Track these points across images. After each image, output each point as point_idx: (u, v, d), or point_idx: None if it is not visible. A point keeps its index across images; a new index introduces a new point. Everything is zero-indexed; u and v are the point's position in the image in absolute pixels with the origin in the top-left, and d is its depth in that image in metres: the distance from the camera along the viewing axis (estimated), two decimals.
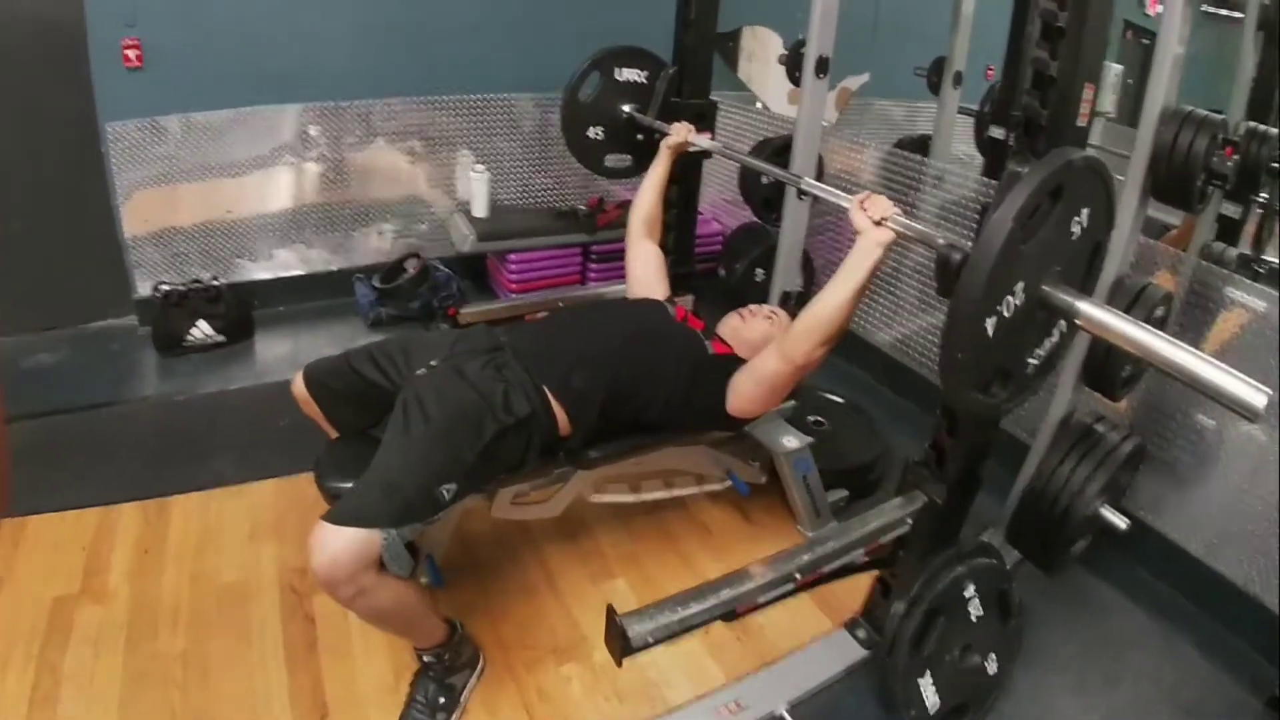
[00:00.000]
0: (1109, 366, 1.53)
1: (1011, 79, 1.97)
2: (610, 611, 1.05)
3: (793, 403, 1.74)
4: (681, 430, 1.54)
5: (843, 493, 1.88)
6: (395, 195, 2.88)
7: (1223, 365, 0.87)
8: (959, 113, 2.75)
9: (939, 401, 1.36)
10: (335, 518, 1.11)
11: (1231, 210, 2.05)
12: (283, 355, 2.54)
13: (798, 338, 1.30)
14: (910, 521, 1.34)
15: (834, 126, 2.89)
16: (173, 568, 1.64)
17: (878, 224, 1.20)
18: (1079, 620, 1.68)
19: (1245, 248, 2.06)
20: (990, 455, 1.34)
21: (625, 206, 2.29)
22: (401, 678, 1.38)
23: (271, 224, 2.72)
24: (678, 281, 2.29)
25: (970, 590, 1.37)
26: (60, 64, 2.26)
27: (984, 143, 2.76)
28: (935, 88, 2.77)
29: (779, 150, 2.27)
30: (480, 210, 2.78)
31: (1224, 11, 2.00)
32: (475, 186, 2.75)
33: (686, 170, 2.12)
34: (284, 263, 2.79)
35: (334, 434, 1.49)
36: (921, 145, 2.77)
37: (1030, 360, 1.05)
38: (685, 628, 1.08)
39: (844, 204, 1.27)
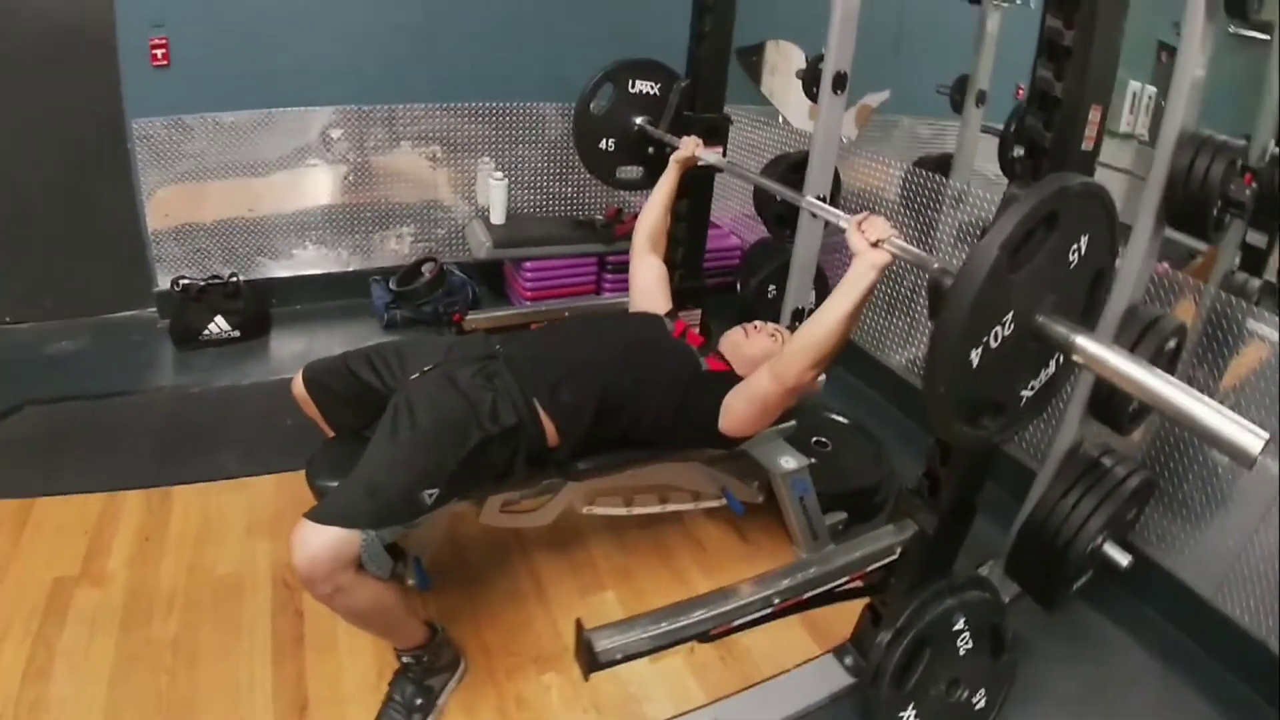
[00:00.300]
0: (1115, 399, 1.48)
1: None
2: (578, 625, 1.05)
3: (792, 423, 1.72)
4: (674, 447, 1.52)
5: (841, 515, 1.85)
6: (415, 199, 2.92)
7: (1217, 406, 0.82)
8: (983, 132, 2.71)
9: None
10: (317, 516, 1.13)
11: (1257, 239, 1.98)
12: (297, 353, 2.58)
13: (789, 359, 1.29)
14: (899, 550, 1.31)
15: (854, 143, 2.86)
16: (171, 556, 1.67)
17: (874, 245, 1.18)
18: (1080, 658, 1.63)
19: (1272, 277, 1.99)
20: (983, 486, 1.31)
21: None
22: (384, 677, 1.39)
23: (292, 223, 2.77)
24: (687, 295, 2.29)
25: (960, 623, 1.33)
26: (90, 61, 2.34)
27: (1007, 163, 2.71)
28: (958, 106, 2.73)
29: (795, 166, 2.26)
30: (498, 217, 2.81)
31: (1253, 34, 1.93)
32: (494, 193, 2.78)
33: (698, 184, 2.12)
34: (303, 262, 2.84)
35: (331, 433, 1.51)
36: (943, 164, 2.73)
37: (1024, 392, 1.02)
38: (656, 646, 1.06)
39: (842, 224, 1.25)
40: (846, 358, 2.60)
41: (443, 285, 2.76)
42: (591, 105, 2.12)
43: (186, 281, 2.55)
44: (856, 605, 1.48)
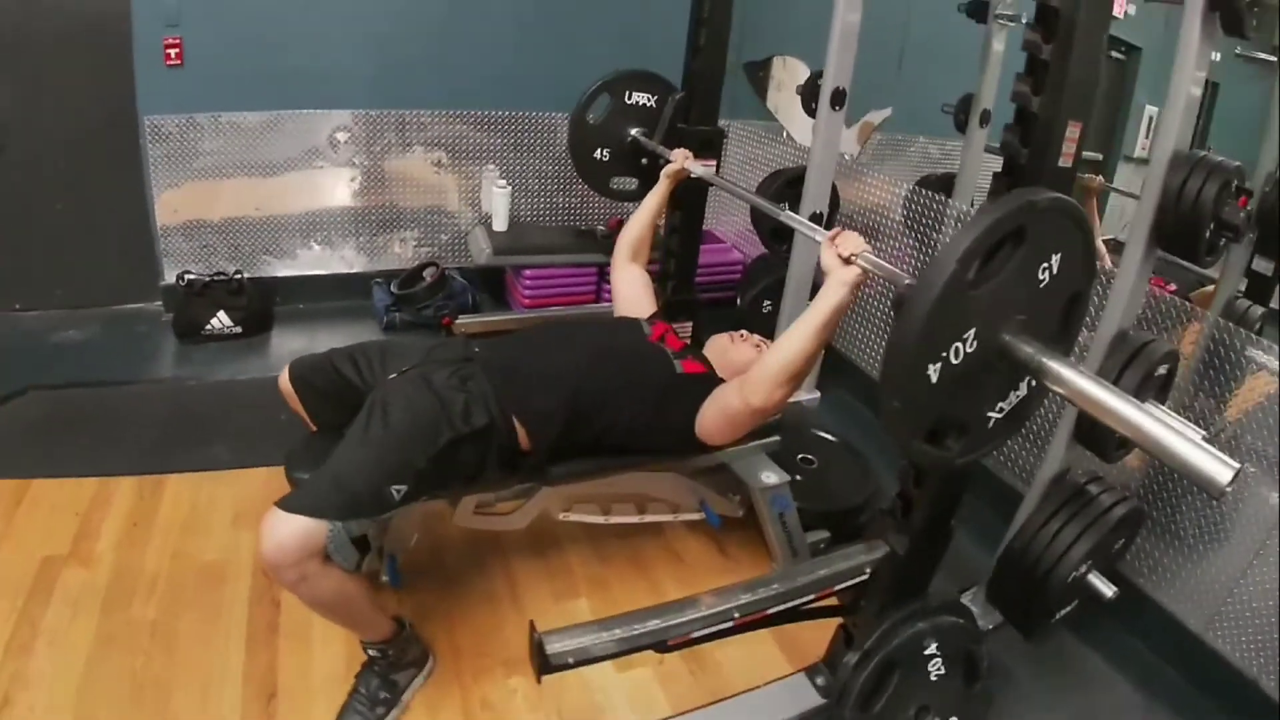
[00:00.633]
0: (1100, 425, 1.44)
1: None
2: (531, 626, 1.04)
3: (775, 438, 1.70)
4: (651, 451, 1.51)
5: (824, 534, 1.83)
6: (420, 204, 2.96)
7: (1188, 434, 0.80)
8: (987, 151, 2.68)
9: None
10: (286, 505, 1.15)
11: (1264, 266, 1.94)
12: (296, 351, 2.55)
13: (755, 382, 1.29)
14: (869, 571, 1.28)
15: (857, 160, 2.85)
16: (157, 542, 1.70)
17: (847, 261, 1.17)
18: (1063, 688, 1.59)
19: (1276, 305, 1.94)
20: (956, 509, 1.28)
21: None
22: (353, 669, 1.39)
23: (298, 224, 2.82)
24: (679, 308, 2.29)
25: (932, 648, 1.30)
26: (105, 57, 2.41)
27: None
28: (963, 125, 2.72)
29: (792, 182, 2.25)
30: (500, 224, 2.83)
31: (1260, 55, 1.90)
32: (497, 201, 2.80)
33: (691, 197, 2.12)
34: (307, 262, 2.88)
35: (314, 427, 1.53)
36: (947, 184, 2.71)
37: (991, 414, 1.00)
38: (610, 653, 1.05)
39: (818, 238, 1.24)
40: (841, 374, 2.58)
41: (443, 290, 2.79)
42: (588, 115, 2.14)
43: (192, 277, 2.60)
44: (835, 625, 1.46)
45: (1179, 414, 1.54)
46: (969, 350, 0.89)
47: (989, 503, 1.88)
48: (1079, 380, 0.88)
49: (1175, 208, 1.34)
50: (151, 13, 2.36)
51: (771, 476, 1.65)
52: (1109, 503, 1.49)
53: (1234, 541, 1.57)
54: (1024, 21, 2.51)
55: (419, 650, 1.43)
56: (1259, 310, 1.90)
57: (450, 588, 1.66)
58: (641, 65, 2.20)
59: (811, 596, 1.22)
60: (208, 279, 2.61)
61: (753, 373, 1.30)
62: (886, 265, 1.14)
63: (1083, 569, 1.45)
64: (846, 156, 2.70)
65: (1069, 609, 1.60)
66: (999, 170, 1.21)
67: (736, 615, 1.13)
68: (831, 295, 1.17)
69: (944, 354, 0.87)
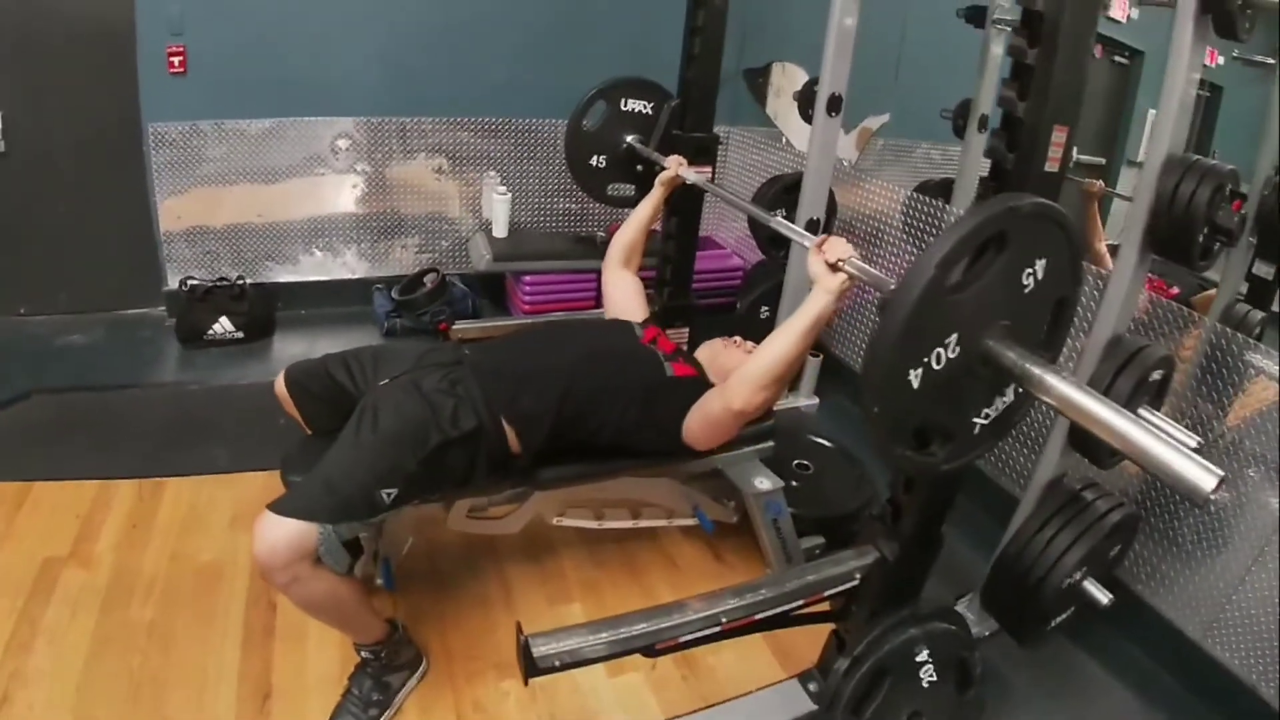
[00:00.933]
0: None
1: None
2: (518, 629, 1.04)
3: (770, 443, 1.70)
4: (642, 454, 1.52)
5: (818, 540, 1.82)
6: (421, 211, 2.98)
7: (1173, 441, 0.80)
8: (985, 157, 2.67)
9: None
10: (278, 508, 1.16)
11: (1264, 270, 1.92)
12: (297, 356, 2.58)
13: (737, 386, 1.29)
14: (859, 576, 1.28)
15: (855, 166, 2.85)
16: (156, 544, 1.72)
17: (834, 267, 1.18)
18: (1059, 695, 1.58)
19: (1276, 309, 1.92)
20: (946, 515, 1.27)
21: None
22: (347, 671, 1.40)
23: (300, 230, 2.85)
24: (675, 313, 2.29)
25: (924, 654, 1.30)
26: (109, 65, 2.44)
27: None
28: (961, 131, 2.71)
29: (789, 188, 2.26)
30: (500, 230, 2.84)
31: (1258, 58, 1.89)
32: (497, 207, 2.82)
33: (687, 203, 2.12)
34: (309, 268, 2.91)
35: (309, 431, 1.55)
36: (946, 190, 2.71)
37: (976, 420, 1.00)
38: (597, 656, 1.05)
39: (805, 244, 1.25)
40: (840, 380, 2.57)
41: (444, 296, 2.80)
42: (584, 122, 2.15)
43: (194, 282, 2.63)
44: (829, 631, 1.45)
45: (1177, 420, 1.53)
46: (951, 356, 0.89)
47: (985, 508, 1.87)
48: (1061, 386, 0.87)
49: (1168, 211, 1.34)
50: (155, 21, 2.39)
51: (765, 482, 1.64)
52: (1104, 509, 1.48)
53: (1233, 547, 1.56)
54: None
55: (412, 653, 1.44)
56: (1259, 315, 1.88)
57: (444, 591, 1.67)
58: (641, 73, 2.20)
59: (801, 602, 1.22)
60: (210, 285, 2.64)
61: (734, 377, 1.31)
62: (872, 271, 1.14)
63: (1077, 576, 1.44)
64: (845, 162, 2.70)
65: (1066, 616, 1.59)
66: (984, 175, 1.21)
67: (724, 620, 1.13)
68: (816, 302, 1.18)
69: (925, 359, 0.87)
